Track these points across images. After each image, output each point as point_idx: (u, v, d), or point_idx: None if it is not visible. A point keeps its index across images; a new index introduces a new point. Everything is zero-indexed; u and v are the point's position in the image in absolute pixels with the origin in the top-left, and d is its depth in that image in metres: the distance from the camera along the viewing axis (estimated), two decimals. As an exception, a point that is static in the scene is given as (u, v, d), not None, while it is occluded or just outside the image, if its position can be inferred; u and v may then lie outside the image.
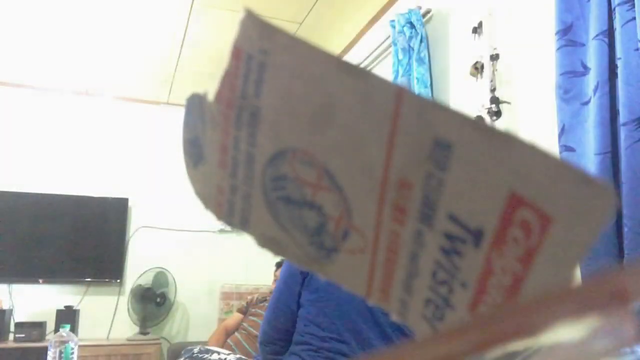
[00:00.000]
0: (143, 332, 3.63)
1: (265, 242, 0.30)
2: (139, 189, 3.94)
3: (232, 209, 0.30)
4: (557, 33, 1.56)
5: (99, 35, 3.10)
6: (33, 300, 3.58)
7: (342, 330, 1.27)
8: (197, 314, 3.94)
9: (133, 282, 3.71)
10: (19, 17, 2.91)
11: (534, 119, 1.78)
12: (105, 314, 3.75)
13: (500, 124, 1.88)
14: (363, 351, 1.26)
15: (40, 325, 3.32)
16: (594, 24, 1.46)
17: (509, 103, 1.88)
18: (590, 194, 0.19)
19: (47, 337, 3.31)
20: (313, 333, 1.30)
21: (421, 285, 0.26)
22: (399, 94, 0.22)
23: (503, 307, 0.20)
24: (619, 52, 1.36)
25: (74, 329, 3.15)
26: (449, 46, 2.30)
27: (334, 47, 3.24)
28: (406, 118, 0.22)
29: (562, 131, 1.50)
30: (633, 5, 1.34)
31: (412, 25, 2.37)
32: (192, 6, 2.81)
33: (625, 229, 1.28)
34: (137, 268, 3.77)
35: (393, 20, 2.49)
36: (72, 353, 1.88)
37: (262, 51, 0.23)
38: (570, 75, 1.51)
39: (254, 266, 3.88)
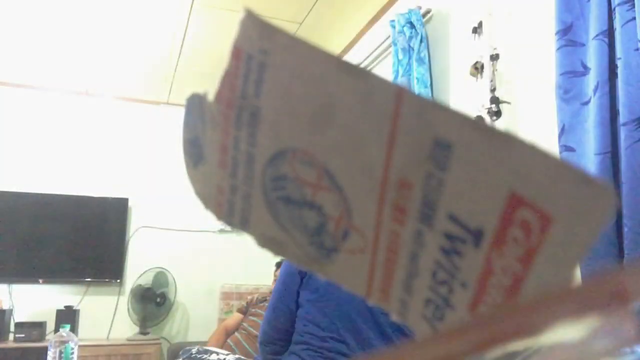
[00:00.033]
0: (143, 332, 3.63)
1: (265, 242, 0.30)
2: (139, 189, 3.94)
3: (232, 209, 0.30)
4: (557, 33, 1.56)
5: (99, 35, 3.10)
6: (33, 300, 3.58)
7: (341, 330, 1.28)
8: (197, 314, 3.94)
9: (133, 282, 3.71)
10: (19, 17, 2.91)
11: (534, 119, 1.78)
12: (105, 314, 3.75)
13: (500, 124, 1.88)
14: (363, 351, 1.26)
15: (40, 325, 3.32)
16: (594, 24, 1.46)
17: (509, 103, 1.88)
18: (590, 194, 0.19)
19: (47, 337, 3.31)
20: (313, 333, 1.30)
21: (421, 285, 0.26)
22: (399, 94, 0.22)
23: (503, 307, 0.20)
24: (619, 52, 1.36)
25: (74, 329, 3.15)
26: (449, 46, 2.30)
27: (334, 47, 3.24)
28: (406, 118, 0.22)
29: (562, 131, 1.50)
30: (633, 5, 1.34)
31: (412, 25, 2.37)
32: (192, 6, 2.81)
33: (625, 229, 1.28)
34: (137, 268, 3.77)
35: (393, 20, 2.49)
36: (72, 353, 1.88)
37: (262, 51, 0.23)
38: (570, 75, 1.51)
39: (254, 266, 3.88)
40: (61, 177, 3.76)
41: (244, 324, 2.81)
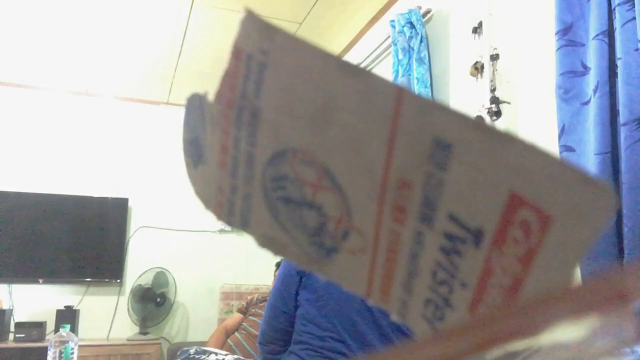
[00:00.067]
0: (143, 332, 3.63)
1: (265, 242, 0.30)
2: (139, 189, 3.94)
3: (232, 209, 0.30)
4: (557, 33, 1.56)
5: (99, 35, 3.10)
6: (33, 300, 3.58)
7: (341, 330, 1.27)
8: (197, 314, 3.94)
9: (133, 282, 3.71)
10: (19, 17, 2.91)
11: (534, 119, 1.78)
12: (105, 314, 3.75)
13: (500, 124, 1.88)
14: (362, 351, 1.26)
15: (40, 325, 3.32)
16: (594, 24, 1.46)
17: (509, 103, 1.88)
18: (590, 194, 0.19)
19: (47, 337, 3.31)
20: (312, 333, 1.30)
21: (421, 285, 0.26)
22: (399, 94, 0.22)
23: (503, 307, 0.20)
24: (619, 52, 1.36)
25: (74, 329, 3.15)
26: (449, 46, 2.30)
27: (334, 47, 3.24)
28: (406, 118, 0.22)
29: (562, 131, 1.50)
30: (633, 5, 1.34)
31: (412, 25, 2.37)
32: (192, 6, 2.81)
33: (625, 229, 1.28)
34: (137, 268, 3.77)
35: (393, 20, 2.49)
36: (72, 353, 1.88)
37: (262, 51, 0.23)
38: (570, 75, 1.51)
39: (254, 266, 3.88)
40: (61, 177, 3.76)
41: (244, 324, 2.81)
